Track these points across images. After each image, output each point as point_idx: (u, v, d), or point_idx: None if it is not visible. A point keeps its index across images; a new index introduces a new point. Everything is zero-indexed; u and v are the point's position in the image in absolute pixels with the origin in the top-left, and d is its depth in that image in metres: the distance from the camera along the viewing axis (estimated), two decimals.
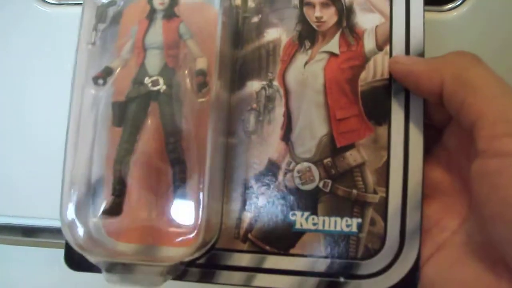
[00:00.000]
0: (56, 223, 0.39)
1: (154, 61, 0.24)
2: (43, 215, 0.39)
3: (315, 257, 0.26)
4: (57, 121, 0.37)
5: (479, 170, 0.22)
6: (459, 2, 0.36)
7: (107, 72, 0.24)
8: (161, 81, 0.24)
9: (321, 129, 0.27)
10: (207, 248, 0.26)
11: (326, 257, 0.26)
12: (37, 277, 0.42)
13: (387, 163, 0.26)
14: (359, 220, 0.26)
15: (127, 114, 0.24)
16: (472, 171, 0.22)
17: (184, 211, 0.23)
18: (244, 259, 0.27)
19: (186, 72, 0.24)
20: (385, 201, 0.26)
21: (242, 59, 0.28)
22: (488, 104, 0.22)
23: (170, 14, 0.24)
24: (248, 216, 0.27)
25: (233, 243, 0.27)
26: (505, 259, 0.21)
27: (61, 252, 0.39)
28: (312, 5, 0.28)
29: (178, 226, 0.23)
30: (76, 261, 0.27)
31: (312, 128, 0.27)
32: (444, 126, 0.27)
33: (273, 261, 0.26)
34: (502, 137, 0.21)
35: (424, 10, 0.28)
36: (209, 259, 0.27)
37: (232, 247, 0.27)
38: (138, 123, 0.24)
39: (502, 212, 0.21)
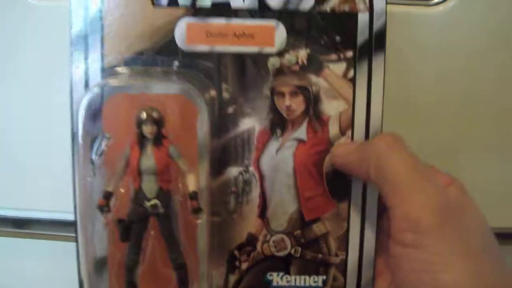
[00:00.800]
0: (47, 215, 0.42)
1: (150, 185, 0.27)
2: (34, 207, 0.41)
3: None
4: (50, 113, 0.39)
5: (390, 251, 0.28)
6: None
7: (108, 197, 0.27)
8: (159, 205, 0.27)
9: (291, 206, 0.31)
10: None
11: None
12: (27, 269, 0.44)
13: (347, 232, 0.32)
14: (324, 277, 0.32)
15: (131, 230, 0.27)
16: (389, 248, 0.28)
17: None
18: None
19: (180, 190, 0.28)
20: (345, 262, 0.32)
21: (221, 147, 0.31)
22: (398, 199, 0.26)
23: (159, 139, 0.27)
24: (233, 278, 0.32)
25: None
26: None
27: (51, 244, 0.42)
28: (282, 94, 0.30)
29: None
30: None
31: (284, 206, 0.31)
32: None
33: None
34: (405, 231, 0.26)
35: (383, 95, 0.31)
36: None
37: None
38: (142, 237, 0.28)
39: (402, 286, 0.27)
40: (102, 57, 0.30)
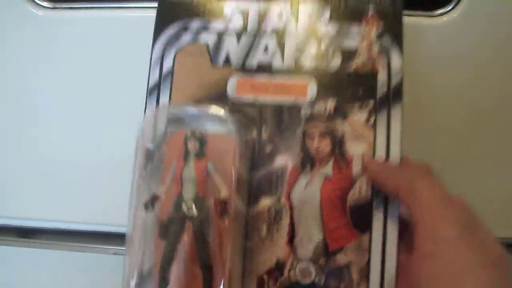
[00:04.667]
0: (51, 224, 0.44)
1: (188, 191, 0.33)
2: (39, 217, 0.44)
3: None
4: (52, 123, 0.43)
5: (413, 266, 0.30)
6: (450, 8, 0.38)
7: (154, 199, 0.33)
8: (194, 207, 0.32)
9: (317, 236, 0.35)
10: None
11: None
12: (31, 278, 0.45)
13: (368, 263, 0.34)
14: None
15: (169, 230, 0.33)
16: (409, 263, 0.30)
17: None
18: None
19: (213, 200, 0.33)
20: None
21: (257, 180, 0.36)
22: (425, 216, 0.30)
23: (200, 154, 0.33)
24: None
25: None
26: None
27: (54, 253, 0.45)
28: (312, 137, 0.36)
29: None
30: None
31: (310, 235, 0.35)
32: None
33: None
34: (430, 242, 0.29)
35: (402, 136, 0.35)
36: None
37: None
38: (177, 237, 0.33)
39: None
40: (170, 101, 0.38)
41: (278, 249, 0.35)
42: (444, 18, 0.39)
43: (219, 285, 0.32)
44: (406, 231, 0.34)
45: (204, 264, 0.32)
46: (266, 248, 0.36)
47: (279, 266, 0.35)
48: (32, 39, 0.42)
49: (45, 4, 0.42)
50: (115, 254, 0.48)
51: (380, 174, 0.34)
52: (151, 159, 0.34)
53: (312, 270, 0.35)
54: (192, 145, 0.33)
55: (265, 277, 0.35)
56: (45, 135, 0.44)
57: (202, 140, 0.33)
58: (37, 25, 0.42)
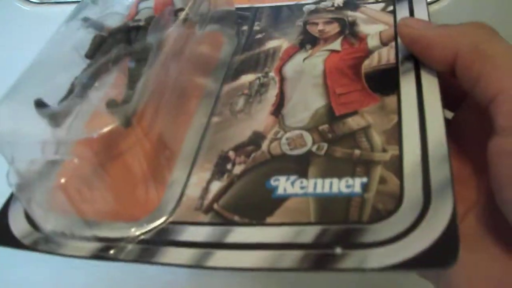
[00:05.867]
0: None
1: (144, 14, 0.24)
2: None
3: (300, 225, 0.18)
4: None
5: (498, 149, 0.18)
6: None
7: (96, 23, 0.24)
8: (143, 20, 0.23)
9: (317, 102, 0.23)
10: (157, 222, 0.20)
11: (316, 223, 0.18)
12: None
13: (399, 124, 0.21)
14: (364, 179, 0.19)
15: (102, 48, 0.22)
16: (490, 150, 0.18)
17: None
18: (202, 233, 0.19)
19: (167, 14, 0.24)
20: (398, 159, 0.19)
21: (240, 61, 0.27)
22: (509, 78, 0.19)
23: None
24: (217, 185, 0.21)
25: (191, 214, 0.20)
26: None
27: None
28: (315, 24, 0.28)
29: None
30: None
31: (307, 102, 0.23)
32: (456, 107, 0.23)
33: (240, 234, 0.19)
34: None
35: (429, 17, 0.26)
36: (154, 235, 0.19)
37: (189, 220, 0.20)
38: (109, 60, 0.22)
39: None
40: None
41: (256, 121, 0.23)
42: (435, 7, 0.36)
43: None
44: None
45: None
46: (239, 121, 0.23)
47: (255, 139, 0.22)
48: (19, 34, 0.40)
49: None
50: None
51: (423, 32, 0.22)
52: None
53: (308, 138, 0.21)
54: None
55: (231, 153, 0.22)
56: None
57: None
58: (24, 21, 0.40)
